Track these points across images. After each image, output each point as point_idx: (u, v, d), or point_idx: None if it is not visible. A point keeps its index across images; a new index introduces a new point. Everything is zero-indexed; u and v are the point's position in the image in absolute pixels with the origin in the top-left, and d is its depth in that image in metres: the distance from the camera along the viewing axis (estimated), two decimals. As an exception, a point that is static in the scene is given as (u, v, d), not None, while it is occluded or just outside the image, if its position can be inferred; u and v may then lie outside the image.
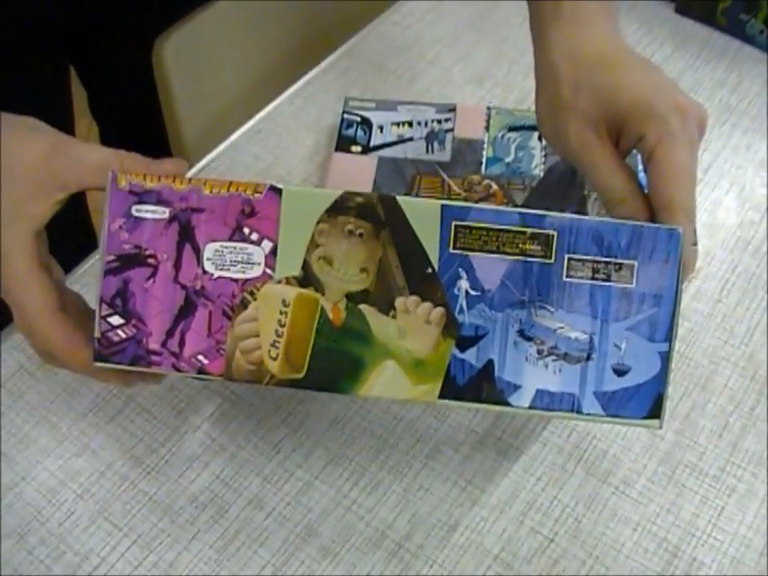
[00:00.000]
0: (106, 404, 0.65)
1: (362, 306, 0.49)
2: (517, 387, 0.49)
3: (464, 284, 0.48)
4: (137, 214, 0.49)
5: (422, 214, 0.48)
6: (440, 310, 0.48)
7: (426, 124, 0.78)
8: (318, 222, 0.49)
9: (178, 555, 0.58)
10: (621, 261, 0.48)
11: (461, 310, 0.48)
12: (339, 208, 0.48)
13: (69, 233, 0.64)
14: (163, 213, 0.49)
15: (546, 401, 0.49)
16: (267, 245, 0.49)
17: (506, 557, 0.59)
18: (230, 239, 0.49)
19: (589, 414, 0.49)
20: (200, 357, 0.49)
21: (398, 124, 0.77)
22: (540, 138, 0.77)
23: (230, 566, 0.58)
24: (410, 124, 0.78)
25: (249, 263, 0.49)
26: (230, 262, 0.49)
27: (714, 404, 0.66)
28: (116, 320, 0.50)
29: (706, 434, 0.64)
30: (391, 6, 0.94)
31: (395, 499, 0.61)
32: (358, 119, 0.78)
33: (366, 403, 0.65)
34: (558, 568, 0.58)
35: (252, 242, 0.49)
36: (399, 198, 0.49)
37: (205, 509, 0.60)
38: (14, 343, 0.68)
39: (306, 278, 0.49)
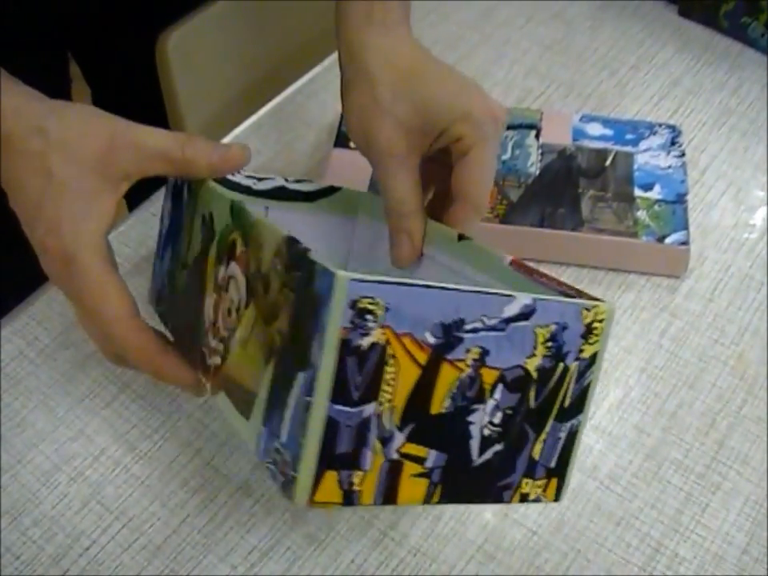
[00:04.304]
0: (102, 390, 0.66)
1: None
2: None
3: None
4: None
5: None
6: None
7: (424, 121, 0.78)
8: None
9: (167, 539, 0.59)
10: None
11: None
12: None
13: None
14: None
15: None
16: None
17: (488, 548, 0.59)
18: None
19: None
20: None
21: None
22: (537, 137, 0.78)
23: (217, 551, 0.59)
24: (409, 121, 0.79)
25: None
26: None
27: (701, 402, 0.66)
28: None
29: (693, 431, 0.65)
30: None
31: (381, 489, 0.62)
32: (358, 116, 0.79)
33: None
34: (539, 560, 0.59)
35: None
36: None
37: (195, 494, 0.61)
38: (14, 329, 0.69)
39: None
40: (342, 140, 0.78)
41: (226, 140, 0.83)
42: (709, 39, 0.92)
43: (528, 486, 0.48)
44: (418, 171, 0.56)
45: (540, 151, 0.76)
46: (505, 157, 0.76)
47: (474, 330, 0.43)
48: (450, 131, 0.55)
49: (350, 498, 0.42)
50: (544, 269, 0.73)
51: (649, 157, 0.76)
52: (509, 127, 0.78)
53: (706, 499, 0.62)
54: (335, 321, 0.39)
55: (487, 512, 0.61)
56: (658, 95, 0.87)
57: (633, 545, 0.60)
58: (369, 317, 0.40)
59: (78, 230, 0.49)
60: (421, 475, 0.44)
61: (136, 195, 0.70)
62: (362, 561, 0.59)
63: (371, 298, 0.40)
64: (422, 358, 0.42)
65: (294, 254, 0.42)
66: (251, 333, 0.45)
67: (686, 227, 0.72)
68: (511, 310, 0.44)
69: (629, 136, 0.78)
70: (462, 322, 0.42)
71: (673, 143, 0.77)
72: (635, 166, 0.75)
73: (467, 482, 0.46)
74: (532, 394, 0.46)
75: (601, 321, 0.47)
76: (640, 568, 0.59)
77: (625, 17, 0.95)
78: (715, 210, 0.78)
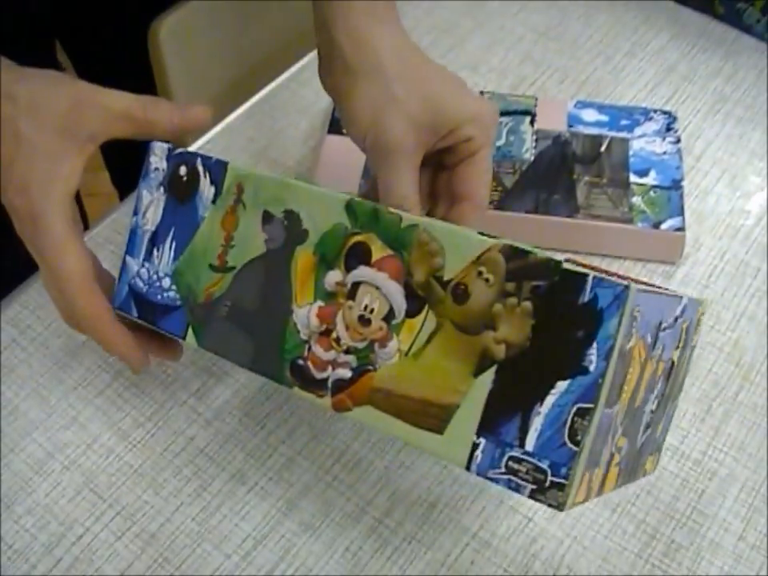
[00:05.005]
0: (95, 378, 0.66)
1: None
2: None
3: None
4: None
5: None
6: None
7: (418, 108, 0.78)
8: None
9: (161, 527, 0.59)
10: None
11: None
12: None
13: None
14: None
15: None
16: None
17: (484, 535, 0.59)
18: None
19: None
20: None
21: (390, 108, 0.78)
22: (532, 123, 0.77)
23: (211, 538, 0.59)
24: (403, 108, 0.78)
25: None
26: None
27: (697, 388, 0.66)
28: None
29: (689, 417, 0.65)
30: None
31: (376, 476, 0.61)
32: (352, 102, 0.79)
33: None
34: (535, 546, 0.59)
35: None
36: None
37: (188, 482, 0.61)
38: (7, 318, 0.69)
39: None
40: (335, 126, 0.77)
41: (218, 127, 0.82)
42: (704, 25, 0.92)
43: (648, 462, 0.52)
44: (418, 169, 0.56)
45: (535, 137, 0.76)
46: (499, 143, 0.76)
47: (664, 329, 0.46)
48: (459, 131, 0.55)
49: (588, 496, 0.44)
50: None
51: (644, 143, 0.76)
52: (504, 113, 0.78)
53: (702, 485, 0.62)
54: (623, 330, 0.41)
55: (482, 499, 0.60)
56: (653, 82, 0.87)
57: (629, 532, 0.60)
58: (634, 323, 0.42)
59: (45, 191, 0.51)
60: (617, 464, 0.46)
61: (128, 183, 0.70)
62: (357, 548, 0.58)
63: (638, 305, 0.42)
64: (643, 356, 0.45)
65: (534, 264, 0.42)
66: (427, 344, 0.45)
67: (681, 213, 0.71)
68: (679, 309, 0.47)
69: (624, 122, 0.77)
70: (661, 323, 0.46)
71: (668, 129, 0.77)
72: (630, 152, 0.75)
73: (630, 466, 0.49)
74: (671, 381, 0.50)
75: (703, 314, 0.53)
76: (636, 555, 0.59)
77: (619, 3, 0.94)
78: (711, 196, 0.78)
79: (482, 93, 0.80)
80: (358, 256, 0.47)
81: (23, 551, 0.58)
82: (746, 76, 0.87)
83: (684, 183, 0.74)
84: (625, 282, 0.41)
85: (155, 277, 0.54)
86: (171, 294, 0.53)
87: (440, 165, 0.59)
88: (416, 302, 0.45)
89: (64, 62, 0.95)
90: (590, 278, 0.41)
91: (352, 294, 0.47)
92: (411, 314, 0.45)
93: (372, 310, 0.46)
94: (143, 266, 0.54)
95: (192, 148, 0.80)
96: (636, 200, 0.72)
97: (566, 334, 0.41)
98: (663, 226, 0.71)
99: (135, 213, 0.55)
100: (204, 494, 0.61)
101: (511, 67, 0.88)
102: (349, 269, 0.47)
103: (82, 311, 0.53)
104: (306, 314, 0.48)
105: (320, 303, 0.48)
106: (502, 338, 0.43)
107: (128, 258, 0.55)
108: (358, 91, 0.56)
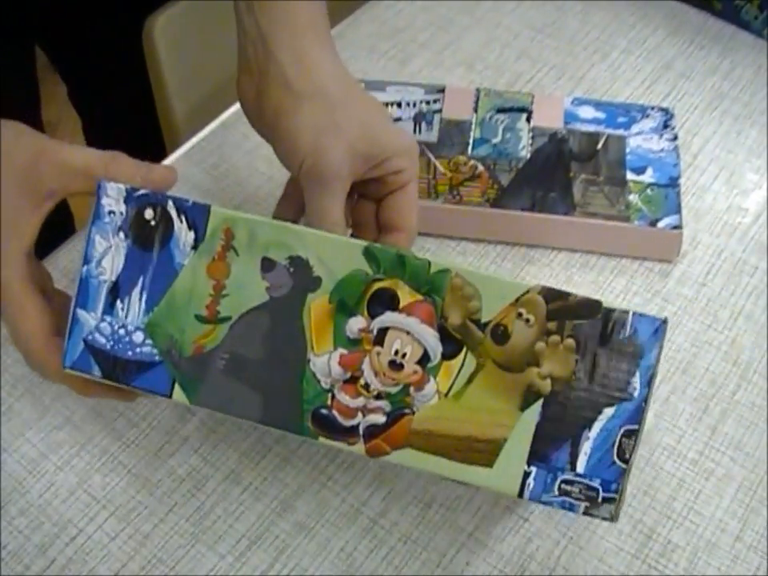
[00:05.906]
0: (89, 378, 0.66)
1: None
2: None
3: None
4: None
5: None
6: None
7: (414, 105, 0.78)
8: None
9: (154, 527, 0.59)
10: None
11: None
12: None
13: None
14: None
15: None
16: None
17: (479, 535, 0.59)
18: None
19: None
20: None
21: (386, 104, 0.77)
22: (529, 120, 0.77)
23: (205, 539, 0.58)
24: (399, 104, 0.78)
25: None
26: None
27: (694, 387, 0.66)
28: None
29: (686, 417, 0.64)
30: (385, -12, 0.94)
31: (371, 476, 0.61)
32: (347, 100, 0.78)
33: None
34: (531, 547, 0.58)
35: None
36: None
37: (182, 482, 0.61)
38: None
39: None
40: (331, 124, 0.77)
41: (213, 125, 0.82)
42: (702, 22, 0.91)
43: None
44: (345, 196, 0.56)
45: (531, 135, 0.76)
46: (496, 140, 0.75)
47: None
48: (390, 163, 0.56)
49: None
50: (535, 254, 0.73)
51: (641, 140, 0.75)
52: (500, 110, 0.78)
53: (699, 485, 0.61)
54: (659, 358, 0.46)
55: (478, 499, 0.60)
56: (650, 79, 0.87)
57: (625, 532, 0.59)
58: None
59: (2, 248, 0.50)
60: None
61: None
62: (352, 549, 0.58)
63: None
64: None
65: (575, 304, 0.46)
66: (468, 384, 0.47)
67: (678, 211, 0.71)
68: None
69: (621, 119, 0.77)
70: None
71: (665, 126, 0.76)
72: (627, 150, 0.75)
73: None
74: None
75: None
76: (632, 555, 0.58)
77: (617, 0, 0.94)
78: (708, 194, 0.77)
79: (478, 90, 0.79)
80: (384, 302, 0.47)
81: (17, 552, 0.58)
82: (743, 73, 0.87)
83: (681, 181, 0.73)
84: (662, 317, 0.45)
85: (123, 332, 0.49)
86: (147, 349, 0.48)
87: (361, 195, 0.59)
88: (453, 344, 0.47)
89: (53, 65, 0.95)
90: (630, 315, 0.45)
91: (379, 340, 0.47)
92: (448, 356, 0.47)
93: (404, 355, 0.47)
94: (103, 320, 0.49)
95: (186, 147, 0.80)
96: (633, 198, 0.71)
97: (610, 366, 0.46)
98: (660, 224, 0.70)
99: (86, 261, 0.49)
100: (198, 494, 0.60)
101: (508, 64, 0.87)
102: (373, 315, 0.47)
103: (49, 370, 0.52)
104: (326, 361, 0.47)
105: (342, 350, 0.47)
106: (546, 373, 0.46)
107: (80, 312, 0.49)
108: (301, 114, 0.54)
